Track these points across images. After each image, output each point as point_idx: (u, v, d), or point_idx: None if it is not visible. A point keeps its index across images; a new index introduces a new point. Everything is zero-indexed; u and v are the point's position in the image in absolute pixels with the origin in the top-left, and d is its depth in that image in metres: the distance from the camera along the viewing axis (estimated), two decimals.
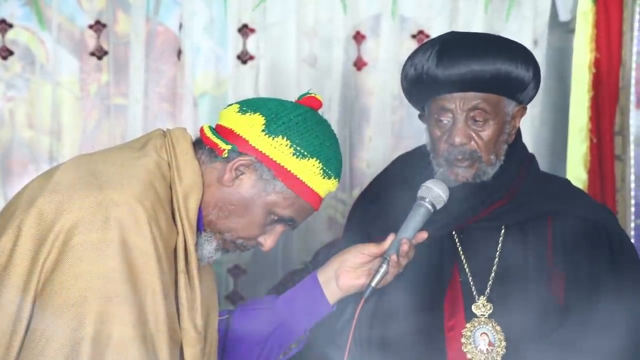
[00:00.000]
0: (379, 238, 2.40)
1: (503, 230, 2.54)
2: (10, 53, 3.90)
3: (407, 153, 2.75)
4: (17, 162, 3.94)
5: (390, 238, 2.38)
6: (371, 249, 2.38)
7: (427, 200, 2.42)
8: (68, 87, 3.95)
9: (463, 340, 2.44)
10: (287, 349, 2.39)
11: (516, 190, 2.54)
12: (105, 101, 3.97)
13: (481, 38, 2.56)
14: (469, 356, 2.43)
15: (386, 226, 2.43)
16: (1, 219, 2.09)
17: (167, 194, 2.11)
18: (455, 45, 2.45)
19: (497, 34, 3.91)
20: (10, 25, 3.90)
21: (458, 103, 2.44)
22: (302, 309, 2.38)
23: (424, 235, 2.40)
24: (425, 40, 3.91)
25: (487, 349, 2.44)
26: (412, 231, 2.39)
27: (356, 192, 3.94)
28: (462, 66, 2.42)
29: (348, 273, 2.38)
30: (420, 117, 2.59)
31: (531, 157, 2.65)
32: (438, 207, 2.44)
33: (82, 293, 1.94)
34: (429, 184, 2.44)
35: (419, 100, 2.56)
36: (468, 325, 2.46)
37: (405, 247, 2.35)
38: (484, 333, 2.45)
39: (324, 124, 2.21)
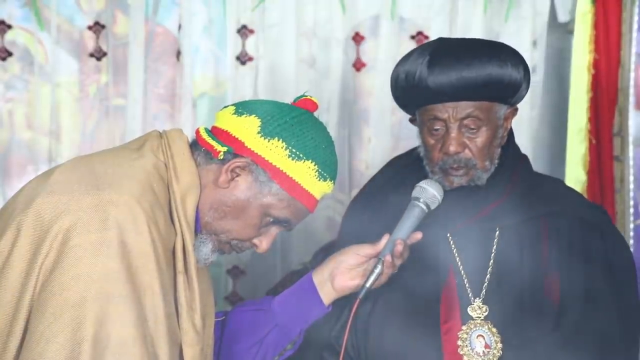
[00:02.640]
0: (374, 240, 2.41)
1: (497, 232, 2.54)
2: (9, 54, 3.90)
3: (401, 155, 2.75)
4: (16, 163, 3.94)
5: (385, 239, 2.38)
6: (366, 249, 2.39)
7: (421, 200, 2.42)
8: (67, 88, 3.95)
9: (459, 342, 2.44)
10: (282, 349, 2.39)
11: (510, 192, 2.54)
12: (104, 102, 3.97)
13: (470, 45, 2.55)
14: (465, 359, 2.43)
15: (381, 228, 2.43)
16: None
17: (165, 195, 2.11)
18: (445, 55, 2.44)
19: (496, 34, 3.96)
20: (9, 26, 3.90)
21: (451, 112, 2.44)
22: (297, 310, 2.38)
23: (418, 235, 2.40)
24: (425, 41, 3.91)
25: (483, 351, 2.44)
26: (406, 232, 2.39)
27: (355, 193, 3.94)
28: (453, 76, 2.40)
29: (343, 274, 2.38)
30: (412, 121, 2.59)
31: (524, 158, 2.65)
32: (432, 207, 2.44)
33: (81, 294, 1.94)
34: (423, 184, 2.45)
35: (409, 106, 2.55)
36: (464, 327, 2.45)
37: (399, 248, 2.36)
38: (480, 335, 2.45)
39: (319, 126, 2.21)
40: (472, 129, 2.45)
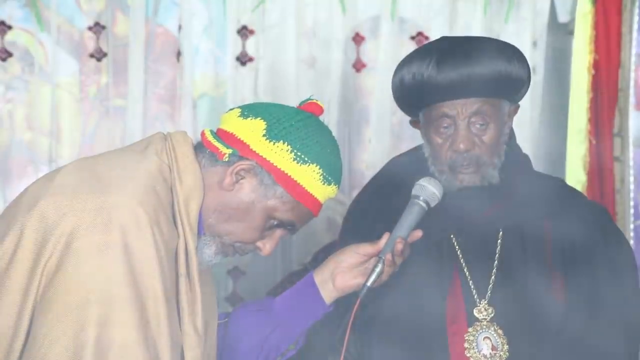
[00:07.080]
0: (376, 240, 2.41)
1: (501, 233, 2.54)
2: (10, 55, 3.91)
3: (401, 155, 2.75)
4: (16, 163, 3.94)
5: (385, 237, 2.37)
6: (366, 248, 2.38)
7: (421, 198, 2.41)
8: (67, 89, 3.96)
9: (466, 345, 2.44)
10: (285, 350, 2.39)
11: (513, 192, 2.54)
12: (104, 103, 3.97)
13: (477, 42, 2.55)
14: None
15: (384, 229, 2.43)
16: (2, 222, 2.09)
17: (168, 197, 2.11)
18: (455, 51, 2.44)
19: (496, 35, 3.97)
20: (10, 27, 3.90)
21: (460, 109, 2.44)
22: (299, 310, 2.38)
23: (418, 233, 2.40)
24: (425, 42, 3.91)
25: (490, 353, 2.44)
26: (406, 230, 2.38)
27: (355, 194, 3.94)
28: (464, 72, 2.41)
29: (344, 273, 2.37)
30: (413, 122, 2.58)
31: (525, 158, 2.65)
32: (432, 204, 2.43)
33: (84, 296, 1.93)
34: (422, 182, 2.44)
35: (414, 107, 2.55)
36: (470, 329, 2.45)
37: (399, 246, 2.35)
38: (486, 337, 2.44)
39: (325, 130, 2.21)
40: (481, 125, 2.45)
